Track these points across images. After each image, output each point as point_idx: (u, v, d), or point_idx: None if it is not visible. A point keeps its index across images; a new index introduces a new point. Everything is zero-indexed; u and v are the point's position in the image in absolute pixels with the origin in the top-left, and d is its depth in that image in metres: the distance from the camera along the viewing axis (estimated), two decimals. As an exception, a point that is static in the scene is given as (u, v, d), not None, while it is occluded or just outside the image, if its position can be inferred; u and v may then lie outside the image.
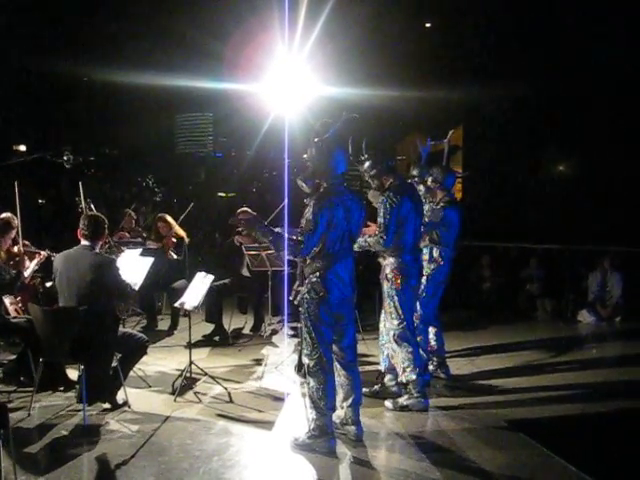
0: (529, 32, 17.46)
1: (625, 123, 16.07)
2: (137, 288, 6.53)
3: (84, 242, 5.60)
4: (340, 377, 5.08)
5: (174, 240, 9.07)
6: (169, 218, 9.26)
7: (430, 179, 6.85)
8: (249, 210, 8.94)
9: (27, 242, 7.20)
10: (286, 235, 4.83)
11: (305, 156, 5.08)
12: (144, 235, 9.82)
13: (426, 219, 6.57)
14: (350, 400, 5.08)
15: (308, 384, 4.93)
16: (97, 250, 5.67)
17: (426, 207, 6.63)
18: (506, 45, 17.73)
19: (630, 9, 14.73)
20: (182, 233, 9.19)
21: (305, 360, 4.93)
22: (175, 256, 9.02)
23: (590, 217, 14.83)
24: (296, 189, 5.37)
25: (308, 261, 4.90)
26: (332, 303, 4.85)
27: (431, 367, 6.96)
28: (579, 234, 12.77)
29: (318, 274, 4.83)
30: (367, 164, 5.94)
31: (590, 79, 16.33)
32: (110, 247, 8.24)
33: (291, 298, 5.14)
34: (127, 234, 9.82)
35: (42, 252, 6.97)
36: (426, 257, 6.67)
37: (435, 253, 6.78)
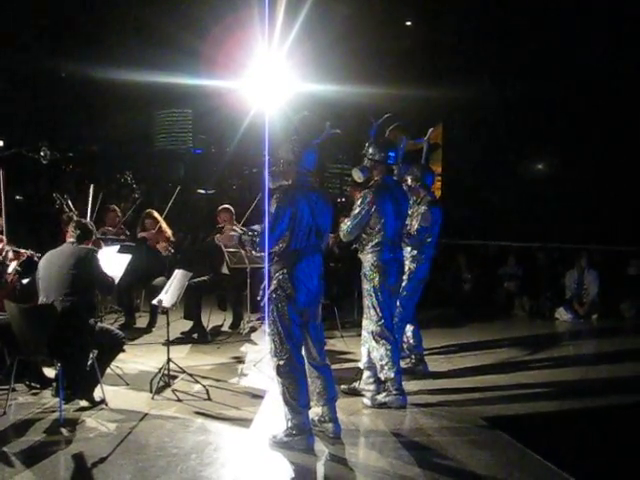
0: (510, 32, 17.54)
1: (605, 123, 16.20)
2: (115, 285, 6.50)
3: (70, 240, 5.75)
4: (311, 377, 5.05)
5: (165, 236, 8.96)
6: (157, 214, 9.20)
7: (410, 178, 6.86)
8: (230, 208, 8.96)
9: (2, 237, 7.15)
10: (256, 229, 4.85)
11: (279, 152, 5.06)
12: (126, 232, 9.71)
13: (414, 222, 6.61)
14: (324, 399, 5.06)
15: (279, 384, 4.90)
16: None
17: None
18: (486, 44, 17.82)
19: (611, 12, 14.87)
20: (169, 232, 9.11)
21: (274, 360, 4.91)
22: (171, 251, 8.92)
23: (568, 216, 14.94)
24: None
25: (275, 259, 4.87)
26: (299, 301, 4.82)
27: (409, 364, 6.99)
28: (557, 232, 12.86)
29: (285, 271, 4.80)
30: (373, 147, 5.93)
31: (571, 79, 16.46)
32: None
33: (258, 298, 5.12)
34: (110, 228, 9.67)
35: (23, 251, 6.94)
36: (407, 256, 6.67)
37: (416, 252, 6.78)
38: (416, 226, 6.67)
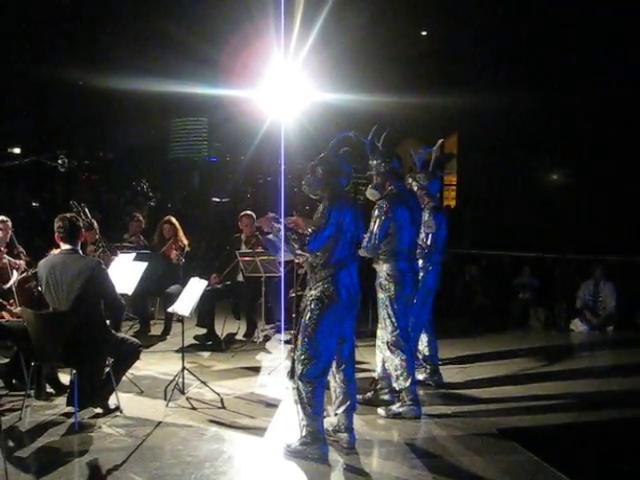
0: (525, 41, 17.52)
1: (619, 133, 16.13)
2: (130, 293, 6.54)
3: (65, 246, 5.50)
4: (336, 382, 5.08)
5: (180, 245, 8.98)
6: (175, 221, 9.24)
7: (415, 184, 6.85)
8: (252, 214, 9.00)
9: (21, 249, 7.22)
10: (282, 230, 4.89)
11: (312, 163, 5.11)
12: (140, 242, 9.75)
13: (421, 230, 6.59)
14: (344, 406, 5.06)
15: (297, 389, 4.91)
16: (81, 252, 5.62)
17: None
18: (501, 53, 17.82)
19: (628, 21, 14.84)
20: (184, 241, 9.14)
21: (297, 364, 4.92)
22: (182, 259, 8.94)
23: (584, 226, 14.85)
24: (290, 196, 5.39)
25: (318, 268, 4.91)
26: (342, 307, 4.86)
27: (424, 375, 6.96)
28: (573, 243, 12.79)
29: (331, 278, 4.84)
30: (376, 161, 5.96)
31: (585, 88, 16.41)
32: (103, 250, 8.23)
33: (301, 305, 5.13)
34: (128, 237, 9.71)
35: (19, 262, 6.99)
36: None
37: (421, 260, 6.75)
38: (422, 234, 6.63)
